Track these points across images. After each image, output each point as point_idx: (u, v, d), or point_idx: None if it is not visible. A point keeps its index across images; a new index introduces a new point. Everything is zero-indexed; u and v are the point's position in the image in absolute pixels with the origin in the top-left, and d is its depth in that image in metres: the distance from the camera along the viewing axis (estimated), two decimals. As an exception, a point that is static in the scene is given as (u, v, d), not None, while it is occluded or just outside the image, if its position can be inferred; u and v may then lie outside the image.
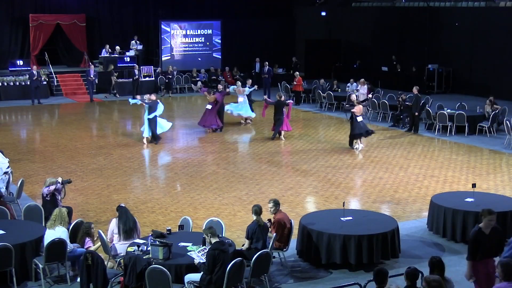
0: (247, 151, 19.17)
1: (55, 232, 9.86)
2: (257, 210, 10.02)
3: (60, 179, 11.84)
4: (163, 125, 20.02)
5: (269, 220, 10.51)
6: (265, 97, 22.36)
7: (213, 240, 9.01)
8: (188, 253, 9.29)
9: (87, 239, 10.27)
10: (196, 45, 33.83)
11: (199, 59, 33.56)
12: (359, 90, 24.71)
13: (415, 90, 21.52)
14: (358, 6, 35.10)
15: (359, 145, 19.11)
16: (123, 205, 10.48)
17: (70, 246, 9.93)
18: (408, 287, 7.39)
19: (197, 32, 33.69)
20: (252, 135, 21.52)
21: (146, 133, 19.67)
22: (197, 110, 25.11)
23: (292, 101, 22.49)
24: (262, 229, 9.91)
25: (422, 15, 30.97)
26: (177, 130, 22.23)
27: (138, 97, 22.00)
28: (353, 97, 20.02)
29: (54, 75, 29.62)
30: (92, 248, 10.05)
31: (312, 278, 10.20)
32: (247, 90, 23.30)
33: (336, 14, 36.03)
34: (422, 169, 16.89)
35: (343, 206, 11.01)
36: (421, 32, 30.96)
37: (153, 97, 19.84)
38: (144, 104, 19.93)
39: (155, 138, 19.70)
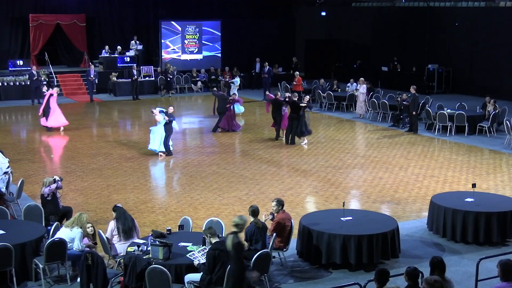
0: (247, 151, 19.16)
1: (71, 232, 9.95)
2: (254, 211, 10.00)
3: (57, 177, 11.85)
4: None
5: (272, 213, 10.46)
6: (267, 93, 22.38)
7: (213, 240, 9.01)
8: (188, 255, 9.26)
9: (85, 238, 10.31)
10: (196, 45, 33.79)
11: (199, 59, 33.55)
12: (359, 90, 24.72)
13: (412, 89, 21.54)
14: (358, 6, 35.10)
15: (305, 140, 19.74)
16: (120, 205, 10.49)
17: (82, 246, 9.97)
18: (410, 287, 7.38)
19: (197, 32, 33.66)
20: (252, 135, 21.47)
21: (158, 147, 18.24)
22: (197, 110, 25.12)
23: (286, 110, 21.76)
24: (260, 231, 9.89)
25: (422, 15, 30.98)
26: (177, 130, 22.17)
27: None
28: (307, 97, 20.33)
29: (54, 75, 29.62)
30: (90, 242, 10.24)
31: (312, 278, 10.19)
32: (236, 80, 25.33)
33: (336, 14, 36.03)
34: (422, 169, 16.89)
35: (343, 206, 11.01)
36: (421, 32, 30.96)
37: (171, 109, 18.48)
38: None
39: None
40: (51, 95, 21.52)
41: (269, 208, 10.88)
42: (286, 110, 20.34)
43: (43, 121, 21.72)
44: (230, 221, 12.43)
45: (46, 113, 21.50)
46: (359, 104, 24.67)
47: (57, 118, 21.62)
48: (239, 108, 24.72)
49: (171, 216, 13.08)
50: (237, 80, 26.26)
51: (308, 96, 20.71)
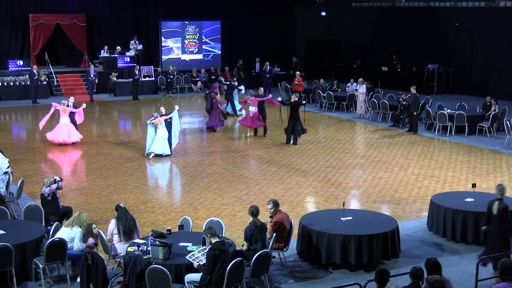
0: (247, 151, 19.16)
1: (71, 231, 9.96)
2: (254, 211, 10.00)
3: (58, 178, 11.86)
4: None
5: (271, 217, 10.47)
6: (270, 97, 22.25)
7: (213, 240, 9.01)
8: (188, 256, 9.25)
9: (90, 238, 10.32)
10: (196, 45, 33.78)
11: (200, 58, 33.57)
12: (359, 90, 24.73)
13: (413, 89, 21.54)
14: (358, 6, 35.10)
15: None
16: (122, 205, 10.48)
17: (82, 246, 9.97)
18: (412, 285, 7.39)
19: (197, 32, 33.66)
20: (251, 135, 21.46)
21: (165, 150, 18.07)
22: (197, 110, 25.13)
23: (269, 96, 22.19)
24: (260, 230, 9.89)
25: (422, 15, 30.98)
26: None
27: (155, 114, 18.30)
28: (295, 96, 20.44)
29: (54, 75, 29.61)
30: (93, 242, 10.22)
31: (312, 278, 10.20)
32: (242, 88, 25.83)
33: (336, 14, 36.04)
34: (422, 169, 16.89)
35: (343, 206, 11.01)
36: (421, 32, 30.97)
37: (162, 109, 18.32)
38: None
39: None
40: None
41: (267, 210, 10.85)
42: (256, 110, 20.68)
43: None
44: (231, 221, 12.54)
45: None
46: (359, 104, 24.67)
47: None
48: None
49: (171, 216, 13.08)
50: (242, 88, 26.22)
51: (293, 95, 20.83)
